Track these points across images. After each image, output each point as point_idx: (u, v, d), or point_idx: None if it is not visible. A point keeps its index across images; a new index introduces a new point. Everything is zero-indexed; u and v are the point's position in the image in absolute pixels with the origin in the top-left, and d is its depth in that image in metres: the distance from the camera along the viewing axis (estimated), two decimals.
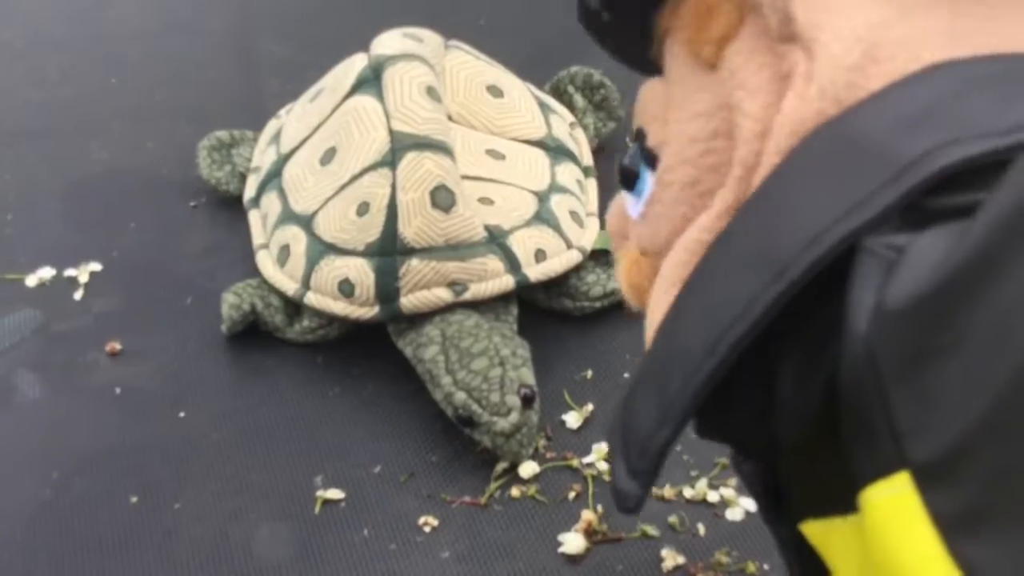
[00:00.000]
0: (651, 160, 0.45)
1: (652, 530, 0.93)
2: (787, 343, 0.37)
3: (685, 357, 0.37)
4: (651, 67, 0.48)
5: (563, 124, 1.29)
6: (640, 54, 0.48)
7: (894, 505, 0.32)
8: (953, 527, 0.30)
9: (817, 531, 0.39)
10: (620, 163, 0.48)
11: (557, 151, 1.24)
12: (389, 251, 1.05)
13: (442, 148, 1.06)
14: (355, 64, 1.18)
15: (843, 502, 0.35)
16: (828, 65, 0.36)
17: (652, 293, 0.44)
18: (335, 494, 0.97)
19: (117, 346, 1.12)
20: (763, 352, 0.37)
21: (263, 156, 1.27)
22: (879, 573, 0.33)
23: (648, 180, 0.46)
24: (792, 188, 0.36)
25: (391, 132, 1.08)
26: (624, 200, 0.48)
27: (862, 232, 0.33)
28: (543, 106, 1.28)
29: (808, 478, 0.39)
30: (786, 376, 0.38)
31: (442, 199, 1.04)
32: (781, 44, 0.38)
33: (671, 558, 0.90)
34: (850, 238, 0.33)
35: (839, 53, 0.36)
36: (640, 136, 0.46)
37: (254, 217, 1.22)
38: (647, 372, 0.41)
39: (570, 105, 1.35)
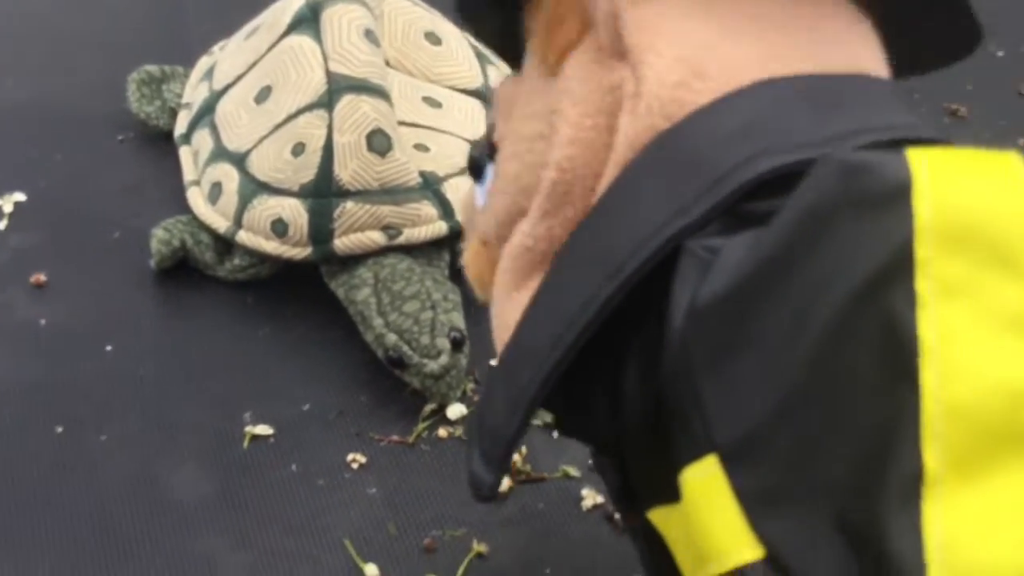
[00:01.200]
0: (493, 153, 0.47)
1: (573, 471, 0.96)
2: (631, 342, 0.40)
3: (532, 352, 0.40)
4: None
5: (499, 75, 1.30)
6: (515, 51, 0.50)
7: (704, 486, 0.35)
8: (755, 505, 0.33)
9: (659, 519, 0.42)
10: (470, 155, 0.51)
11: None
12: (324, 192, 1.05)
13: (379, 92, 1.07)
14: (292, 2, 1.17)
15: (674, 490, 0.38)
16: (654, 83, 0.39)
17: (493, 302, 0.47)
18: (263, 430, 0.98)
19: (42, 278, 1.10)
20: (611, 352, 0.41)
21: (195, 92, 1.26)
22: (696, 552, 0.36)
23: (489, 173, 0.48)
24: (627, 197, 0.39)
25: (328, 73, 1.07)
26: (475, 190, 0.51)
27: (684, 235, 0.36)
28: (480, 56, 1.29)
29: (649, 469, 0.42)
30: (630, 373, 0.41)
31: (378, 143, 1.05)
32: (612, 60, 0.41)
33: (591, 497, 0.94)
34: (674, 240, 0.36)
35: (663, 71, 0.39)
36: (490, 130, 0.49)
37: (185, 153, 1.20)
38: (501, 367, 0.43)
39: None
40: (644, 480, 0.44)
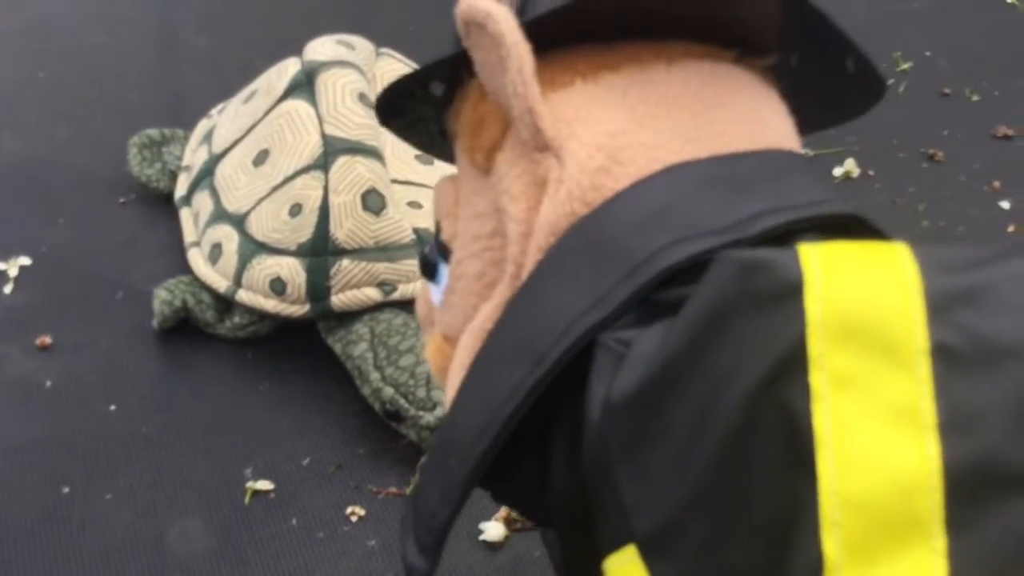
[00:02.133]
0: (445, 253, 0.48)
1: None
2: (556, 422, 0.41)
3: (461, 441, 0.41)
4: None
5: None
6: (445, 150, 0.51)
7: (627, 575, 0.36)
8: None
9: None
10: (421, 254, 0.51)
11: None
12: (321, 251, 1.08)
13: (373, 153, 1.10)
14: (288, 68, 1.21)
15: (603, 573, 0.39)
16: (575, 169, 0.40)
17: (448, 376, 0.47)
18: (264, 485, 1.00)
19: (47, 340, 1.13)
20: (538, 428, 0.41)
21: (195, 155, 1.29)
22: None
23: (444, 272, 0.49)
24: (548, 285, 0.40)
25: (324, 136, 1.11)
26: (428, 289, 0.52)
27: (604, 325, 0.38)
28: None
29: (578, 553, 0.43)
30: (556, 453, 0.42)
31: (373, 202, 1.08)
32: (536, 153, 0.42)
33: None
34: (592, 332, 0.38)
35: (583, 159, 0.40)
36: (437, 230, 0.50)
37: (185, 215, 1.24)
38: (433, 456, 0.44)
39: None
40: (579, 563, 0.44)
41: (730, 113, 0.43)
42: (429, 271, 0.50)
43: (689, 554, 0.34)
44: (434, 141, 0.51)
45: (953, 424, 0.30)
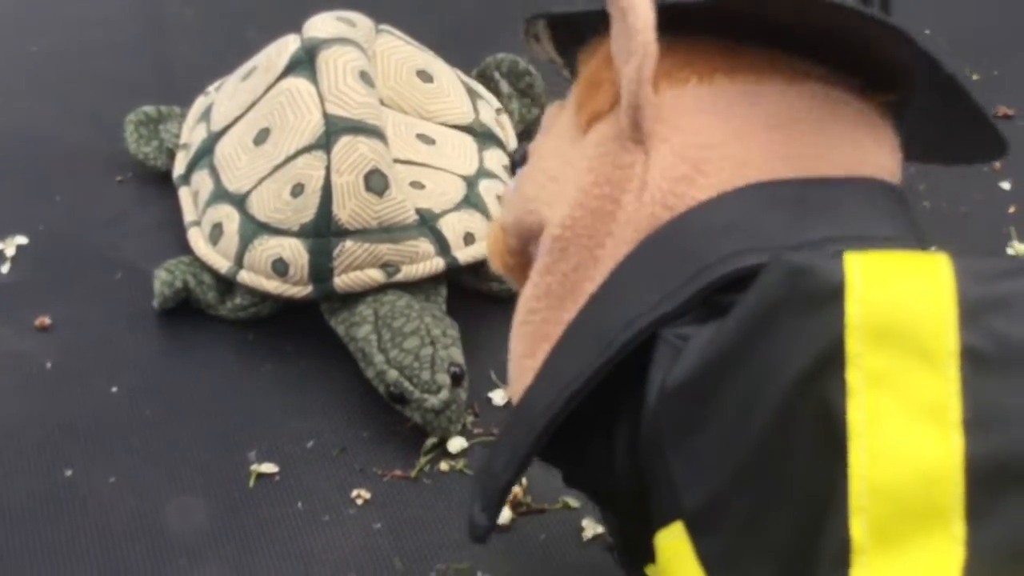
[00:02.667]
0: (525, 160, 0.54)
1: (573, 502, 0.99)
2: (623, 407, 0.45)
3: (531, 413, 0.46)
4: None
5: (490, 110, 1.33)
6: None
7: (674, 549, 0.39)
8: (715, 568, 0.37)
9: (653, 575, 0.47)
10: (510, 154, 0.58)
11: (485, 136, 1.28)
12: (323, 232, 1.08)
13: (376, 132, 1.09)
14: (288, 45, 1.19)
15: (654, 552, 0.43)
16: (659, 175, 0.44)
17: (510, 359, 0.53)
18: (269, 468, 1.00)
19: (47, 320, 1.12)
20: (607, 412, 0.46)
21: (192, 133, 1.28)
22: None
23: (519, 173, 0.55)
24: (624, 282, 0.45)
25: (325, 115, 1.10)
26: (511, 181, 0.58)
27: (666, 320, 0.42)
28: (471, 92, 1.32)
29: (636, 531, 0.47)
30: (620, 435, 0.45)
31: (376, 182, 1.07)
32: (629, 142, 0.45)
33: (591, 528, 0.96)
34: (656, 324, 0.42)
35: (667, 167, 0.44)
36: (527, 120, 0.58)
37: (184, 194, 1.23)
38: (508, 426, 0.49)
39: (496, 91, 1.39)
40: (635, 541, 0.49)
41: (829, 140, 0.45)
42: (514, 168, 0.56)
43: (731, 530, 0.37)
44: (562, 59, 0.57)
45: (977, 421, 0.32)
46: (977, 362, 0.33)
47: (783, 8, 0.43)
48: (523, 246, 0.55)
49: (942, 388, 0.33)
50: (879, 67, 0.48)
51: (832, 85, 0.47)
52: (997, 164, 1.43)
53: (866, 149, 0.48)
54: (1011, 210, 1.36)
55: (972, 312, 0.33)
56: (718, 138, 0.44)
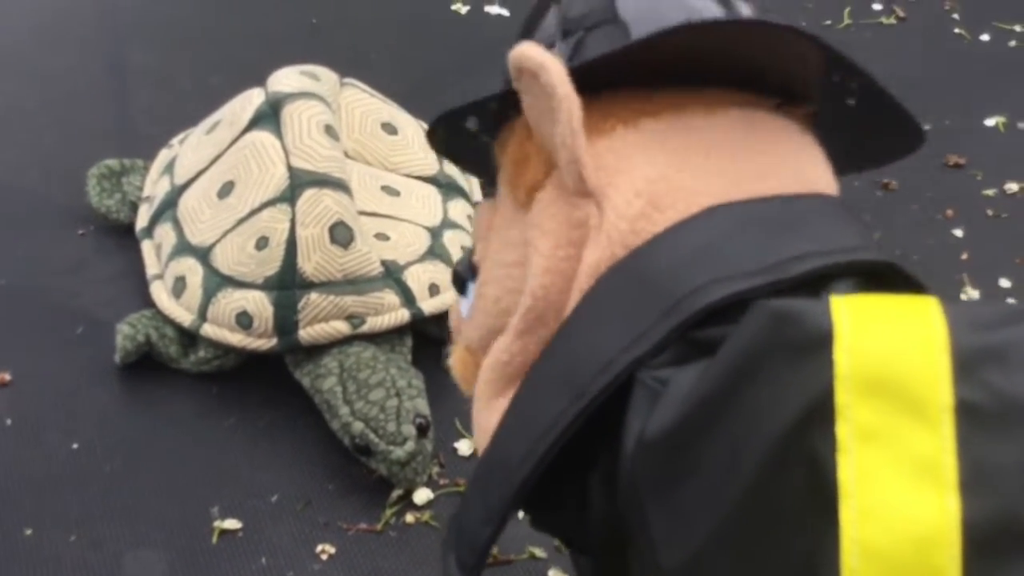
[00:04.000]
0: (475, 272, 0.51)
1: (540, 552, 0.99)
2: (597, 453, 0.42)
3: (504, 465, 0.43)
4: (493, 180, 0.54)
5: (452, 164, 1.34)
6: (486, 169, 0.54)
7: None
8: None
9: None
10: (454, 269, 0.54)
11: (448, 187, 1.29)
12: (288, 285, 1.08)
13: (340, 185, 1.10)
14: (252, 99, 1.20)
15: None
16: (613, 216, 0.42)
17: (473, 405, 0.50)
18: (232, 524, 0.99)
19: (6, 376, 1.11)
20: (580, 457, 0.43)
21: (156, 186, 1.28)
22: None
23: (471, 289, 0.52)
24: (590, 322, 0.42)
25: (290, 168, 1.11)
26: (458, 301, 0.55)
27: (642, 361, 0.39)
28: None
29: (619, 574, 0.44)
30: (596, 484, 0.43)
31: (340, 235, 1.08)
32: (577, 198, 0.44)
33: None
34: (631, 367, 0.39)
35: (621, 206, 0.42)
36: (471, 250, 0.53)
37: (147, 247, 1.22)
38: (477, 478, 0.46)
39: None
40: None
41: (770, 159, 0.44)
42: (459, 285, 0.53)
43: None
44: (479, 168, 0.54)
45: (974, 481, 0.30)
46: (973, 417, 0.31)
47: (693, 37, 0.42)
48: None
49: (936, 445, 0.31)
50: (786, 82, 0.47)
51: (754, 107, 0.45)
52: (949, 211, 1.46)
53: (805, 164, 0.46)
54: (963, 256, 1.39)
55: (967, 364, 0.32)
56: (664, 170, 0.42)
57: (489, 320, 0.48)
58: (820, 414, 0.32)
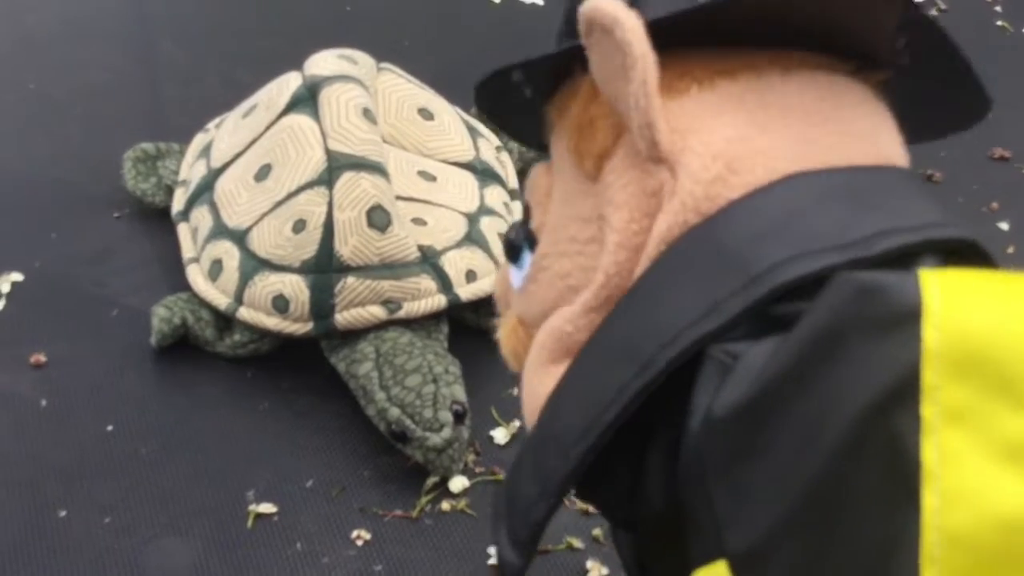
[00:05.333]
0: (532, 240, 0.49)
1: (577, 542, 0.97)
2: (657, 428, 0.40)
3: (562, 438, 0.41)
4: (542, 146, 0.51)
5: (490, 147, 1.33)
6: (534, 134, 0.51)
7: None
8: None
9: None
10: (506, 237, 0.51)
11: (485, 173, 1.28)
12: (325, 268, 1.06)
13: (378, 169, 1.09)
14: (289, 83, 1.19)
15: None
16: (688, 181, 0.40)
17: (524, 371, 0.48)
18: (267, 508, 0.98)
19: (42, 358, 1.10)
20: (637, 434, 0.41)
21: (192, 170, 1.27)
22: None
23: (527, 259, 0.49)
24: (658, 291, 0.40)
25: (328, 152, 1.10)
26: (508, 270, 0.52)
27: (714, 335, 0.37)
28: (471, 129, 1.32)
29: (664, 559, 0.43)
30: (653, 460, 0.41)
31: (378, 219, 1.06)
32: (651, 164, 0.41)
33: (596, 569, 0.94)
34: (702, 341, 0.37)
35: (698, 169, 0.40)
36: (526, 215, 0.50)
37: (183, 231, 1.22)
38: (529, 450, 0.44)
39: (495, 129, 1.39)
40: (662, 566, 0.44)
41: (846, 127, 0.42)
42: (513, 254, 0.50)
43: (782, 575, 0.33)
44: (526, 131, 0.51)
45: None
46: None
47: (767, 4, 0.40)
48: None
49: None
50: (862, 45, 0.45)
51: (830, 71, 0.43)
52: (995, 204, 1.43)
53: (879, 134, 0.43)
54: (1010, 250, 1.36)
55: None
56: (743, 131, 0.40)
57: (553, 295, 0.46)
58: (905, 393, 0.31)
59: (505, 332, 0.51)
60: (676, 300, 0.39)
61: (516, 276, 0.50)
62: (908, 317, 0.31)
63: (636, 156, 0.42)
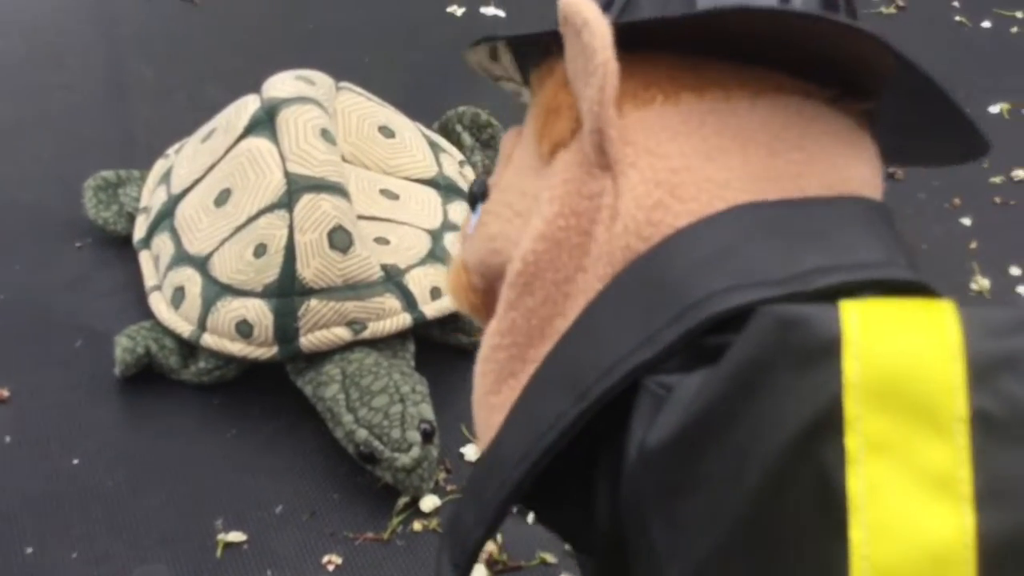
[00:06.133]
0: (486, 195, 0.50)
1: (550, 557, 0.97)
2: (603, 459, 0.41)
3: (501, 466, 0.41)
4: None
5: (453, 163, 1.33)
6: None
7: None
8: None
9: None
10: (470, 186, 0.53)
11: (448, 189, 1.28)
12: (287, 292, 1.06)
13: (338, 189, 1.09)
14: (247, 105, 1.19)
15: None
16: (632, 203, 0.40)
17: (474, 405, 0.48)
18: (236, 536, 0.97)
19: (4, 392, 1.09)
20: (586, 459, 0.41)
21: (153, 196, 1.26)
22: None
23: (480, 210, 0.50)
24: (599, 320, 0.40)
25: (287, 174, 1.09)
26: (469, 217, 0.53)
27: (648, 366, 0.37)
28: (433, 145, 1.32)
29: None
30: (600, 488, 0.41)
31: (340, 240, 1.06)
32: (596, 168, 0.41)
33: None
34: (637, 371, 0.37)
35: (641, 194, 0.40)
36: (490, 171, 0.51)
37: (145, 258, 1.21)
38: (474, 478, 0.44)
39: (458, 143, 1.39)
40: None
41: (809, 155, 0.41)
42: (472, 201, 0.51)
43: None
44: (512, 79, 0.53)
45: (990, 495, 0.29)
46: (989, 428, 0.29)
47: (751, 22, 0.40)
48: (488, 285, 0.49)
49: (951, 457, 0.29)
50: (851, 76, 0.45)
51: (806, 97, 0.43)
52: (956, 200, 1.44)
53: (847, 164, 0.42)
54: (972, 246, 1.37)
55: (983, 371, 0.30)
56: (691, 160, 0.40)
57: (483, 250, 0.47)
58: (828, 424, 0.31)
59: (451, 272, 0.53)
60: (615, 330, 0.39)
61: (472, 223, 0.51)
62: (828, 348, 0.31)
63: (585, 157, 0.42)
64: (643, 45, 0.42)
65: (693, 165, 0.40)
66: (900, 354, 0.31)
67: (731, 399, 0.34)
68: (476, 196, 0.51)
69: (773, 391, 0.32)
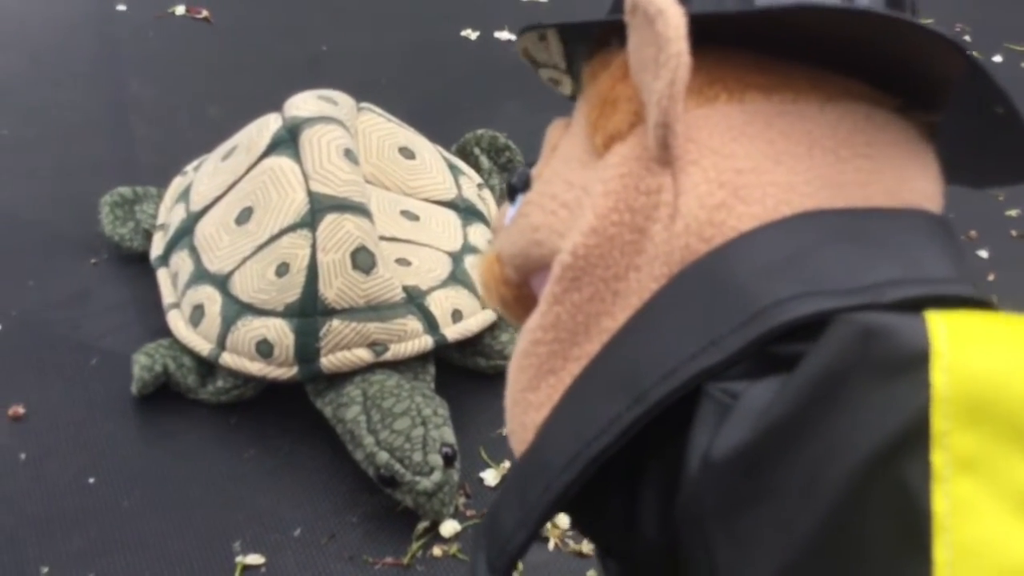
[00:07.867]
0: (528, 186, 0.48)
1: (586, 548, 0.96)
2: (651, 463, 0.39)
3: (546, 469, 0.39)
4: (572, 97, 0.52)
5: (472, 185, 1.33)
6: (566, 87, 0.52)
7: None
8: None
9: None
10: (508, 180, 0.51)
11: (467, 212, 1.27)
12: (309, 312, 1.05)
13: (361, 210, 1.08)
14: (269, 124, 1.18)
15: None
16: (694, 202, 0.38)
17: (507, 401, 0.46)
18: (255, 559, 0.96)
19: (20, 410, 1.08)
20: (634, 467, 0.40)
21: (171, 214, 1.26)
22: None
23: (520, 201, 0.48)
24: (659, 321, 0.39)
25: (310, 193, 1.09)
26: (506, 209, 0.51)
27: (711, 371, 0.35)
28: (452, 167, 1.32)
29: None
30: (648, 495, 0.40)
31: (363, 260, 1.05)
32: (655, 164, 0.40)
33: None
34: (700, 376, 0.36)
35: (704, 193, 0.38)
36: (533, 162, 0.50)
37: (163, 276, 1.20)
38: (515, 478, 0.42)
39: (476, 166, 1.39)
40: None
41: (876, 164, 0.40)
42: (511, 193, 0.50)
43: None
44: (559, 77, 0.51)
45: None
46: None
47: (825, 20, 0.39)
48: (524, 278, 0.47)
49: None
50: (919, 84, 0.43)
51: (873, 104, 0.41)
52: (973, 232, 1.44)
53: (914, 176, 0.41)
54: (990, 278, 1.37)
55: None
56: (757, 162, 0.39)
57: (523, 241, 0.45)
58: (913, 440, 0.29)
59: (484, 263, 0.51)
60: (675, 332, 0.38)
61: (510, 215, 0.50)
62: (915, 360, 0.30)
63: (644, 151, 0.40)
64: (712, 38, 0.40)
65: (759, 167, 0.39)
66: (991, 369, 0.30)
67: (807, 410, 0.32)
68: (516, 187, 0.50)
69: (853, 403, 0.31)
